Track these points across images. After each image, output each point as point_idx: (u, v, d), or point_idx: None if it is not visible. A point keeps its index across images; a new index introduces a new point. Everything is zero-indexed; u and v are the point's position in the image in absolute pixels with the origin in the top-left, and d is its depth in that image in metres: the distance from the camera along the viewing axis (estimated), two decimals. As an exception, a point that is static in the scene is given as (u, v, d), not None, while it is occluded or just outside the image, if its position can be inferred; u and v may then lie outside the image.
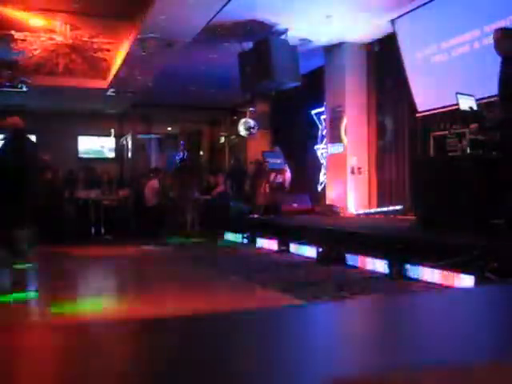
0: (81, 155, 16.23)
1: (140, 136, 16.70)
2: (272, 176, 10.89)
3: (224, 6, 7.75)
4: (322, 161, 11.51)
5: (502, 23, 6.83)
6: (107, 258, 7.70)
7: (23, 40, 9.53)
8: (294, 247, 7.21)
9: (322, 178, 11.53)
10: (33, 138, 15.42)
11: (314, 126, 11.90)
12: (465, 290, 3.05)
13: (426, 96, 8.45)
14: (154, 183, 10.98)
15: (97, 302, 4.41)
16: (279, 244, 7.53)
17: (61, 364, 0.87)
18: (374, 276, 5.12)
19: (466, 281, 4.21)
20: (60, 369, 0.84)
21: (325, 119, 11.05)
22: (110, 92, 12.71)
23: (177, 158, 16.50)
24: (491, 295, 1.43)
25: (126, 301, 4.63)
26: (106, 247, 9.07)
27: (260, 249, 7.98)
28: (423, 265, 4.74)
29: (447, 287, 4.37)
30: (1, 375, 0.78)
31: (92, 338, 1.02)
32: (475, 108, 5.69)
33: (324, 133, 11.28)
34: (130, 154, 16.45)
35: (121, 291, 5.31)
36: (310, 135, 11.99)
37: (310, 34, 9.42)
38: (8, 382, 0.75)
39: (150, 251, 8.24)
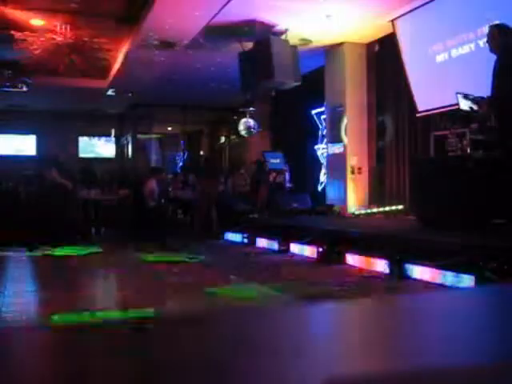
0: (81, 155, 16.25)
1: (140, 136, 16.71)
2: (272, 176, 10.90)
3: (224, 6, 7.75)
4: (322, 161, 11.52)
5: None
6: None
7: (23, 40, 9.53)
8: (294, 247, 7.21)
9: (322, 177, 11.53)
10: (33, 137, 15.59)
11: (313, 126, 11.90)
12: (465, 290, 3.05)
13: (426, 96, 8.44)
14: (153, 183, 10.90)
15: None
16: (279, 244, 7.53)
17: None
18: (374, 276, 5.12)
19: (466, 281, 4.21)
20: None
21: (325, 119, 11.05)
22: (110, 92, 12.72)
23: (176, 157, 16.51)
24: (491, 295, 1.43)
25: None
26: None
27: (260, 249, 7.98)
28: (423, 265, 4.74)
29: (447, 287, 4.37)
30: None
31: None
32: (475, 108, 5.69)
33: (324, 133, 11.29)
34: (130, 154, 16.47)
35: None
36: (310, 135, 11.99)
37: (310, 34, 9.42)
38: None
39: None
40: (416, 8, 8.24)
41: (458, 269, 4.35)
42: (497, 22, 5.54)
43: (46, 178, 8.61)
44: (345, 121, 10.06)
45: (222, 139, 17.19)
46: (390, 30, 9.03)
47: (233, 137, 16.12)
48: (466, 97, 5.70)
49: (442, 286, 4.45)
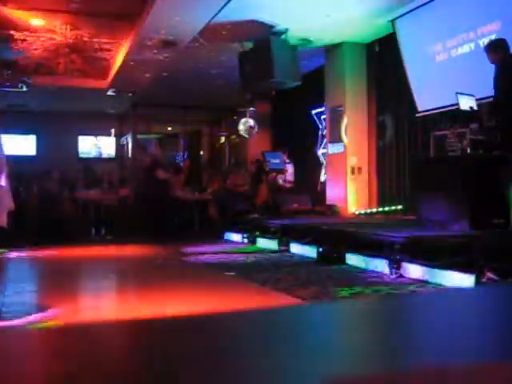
0: (81, 155, 16.22)
1: (140, 136, 16.69)
2: (272, 176, 10.90)
3: (224, 6, 7.75)
4: (322, 161, 11.52)
5: (500, 23, 6.85)
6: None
7: (23, 40, 9.53)
8: (294, 247, 7.21)
9: (322, 177, 11.53)
10: (33, 137, 15.57)
11: (314, 126, 11.90)
12: (465, 290, 3.05)
13: (426, 96, 8.44)
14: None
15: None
16: (279, 244, 7.53)
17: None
18: (373, 276, 5.12)
19: (466, 281, 4.21)
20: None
21: (325, 119, 11.05)
22: (110, 92, 12.71)
23: (176, 157, 16.49)
24: (491, 295, 1.43)
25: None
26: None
27: (260, 249, 7.98)
28: (423, 265, 4.74)
29: (447, 287, 4.37)
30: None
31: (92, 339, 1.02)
32: (475, 108, 5.70)
33: (324, 133, 11.29)
34: (130, 154, 16.45)
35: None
36: (310, 135, 11.99)
37: (310, 34, 9.42)
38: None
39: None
40: (416, 8, 8.24)
41: (457, 269, 4.35)
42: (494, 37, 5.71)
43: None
44: (345, 121, 10.06)
45: (222, 139, 17.19)
46: (390, 30, 9.03)
47: (233, 137, 16.11)
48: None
49: (441, 285, 4.45)
